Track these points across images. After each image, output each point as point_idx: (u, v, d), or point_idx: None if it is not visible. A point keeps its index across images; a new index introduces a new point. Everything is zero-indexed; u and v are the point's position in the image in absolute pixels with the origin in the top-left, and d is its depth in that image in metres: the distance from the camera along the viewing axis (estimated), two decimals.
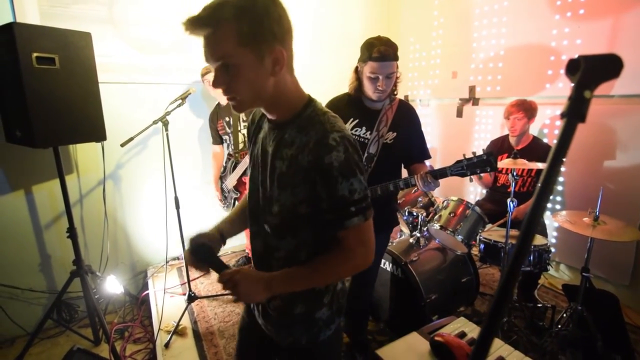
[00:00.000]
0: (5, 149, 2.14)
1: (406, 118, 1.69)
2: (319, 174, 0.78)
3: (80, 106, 1.96)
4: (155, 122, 2.21)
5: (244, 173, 2.62)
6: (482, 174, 2.53)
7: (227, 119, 2.60)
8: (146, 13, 2.58)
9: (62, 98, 1.88)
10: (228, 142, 2.66)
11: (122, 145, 2.22)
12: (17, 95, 1.77)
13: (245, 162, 2.55)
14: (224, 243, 1.03)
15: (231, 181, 2.66)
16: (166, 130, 2.17)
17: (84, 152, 2.46)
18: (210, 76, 2.48)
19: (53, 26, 1.88)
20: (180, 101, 2.25)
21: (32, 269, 2.37)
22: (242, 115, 2.57)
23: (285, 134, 0.85)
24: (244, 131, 2.64)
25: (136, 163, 2.71)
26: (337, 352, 1.00)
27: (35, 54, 1.76)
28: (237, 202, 2.74)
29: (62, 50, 1.86)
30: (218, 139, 2.71)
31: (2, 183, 2.20)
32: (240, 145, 2.63)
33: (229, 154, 2.69)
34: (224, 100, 2.60)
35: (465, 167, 1.51)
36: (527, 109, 2.32)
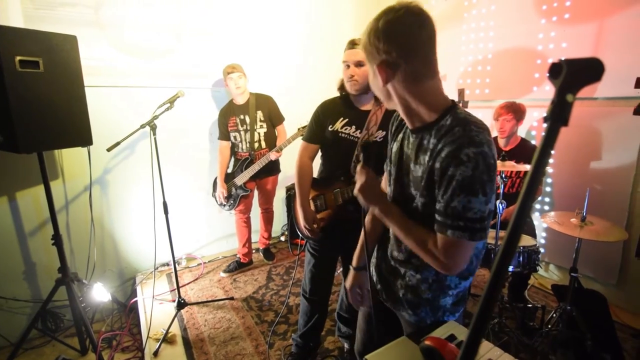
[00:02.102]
0: None
1: (389, 122, 1.74)
2: (440, 179, 0.82)
3: (65, 110, 1.92)
4: (142, 126, 2.18)
5: (257, 175, 2.71)
6: None
7: (241, 117, 2.66)
8: (133, 16, 2.55)
9: (46, 102, 1.84)
10: (237, 140, 2.72)
11: (109, 149, 2.19)
12: (0, 99, 1.73)
13: (260, 164, 2.64)
14: (365, 268, 1.15)
15: (242, 178, 2.71)
16: (154, 134, 2.14)
17: (69, 157, 2.41)
18: (235, 75, 2.54)
19: (37, 29, 1.85)
20: (168, 105, 2.22)
21: (16, 277, 2.31)
22: (260, 115, 2.67)
23: (424, 139, 0.89)
24: (260, 130, 2.70)
25: (124, 168, 2.67)
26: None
27: (18, 58, 1.72)
28: (242, 200, 2.80)
29: (46, 53, 1.82)
30: (226, 135, 2.73)
31: None
32: (256, 145, 2.70)
33: (241, 153, 2.75)
34: (240, 100, 2.66)
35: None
36: (515, 111, 2.36)
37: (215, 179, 2.86)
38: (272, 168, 2.79)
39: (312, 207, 1.75)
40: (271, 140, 2.76)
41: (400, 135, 1.00)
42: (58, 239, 2.08)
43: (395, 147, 1.01)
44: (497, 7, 2.86)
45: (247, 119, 2.66)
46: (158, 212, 2.31)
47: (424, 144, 0.88)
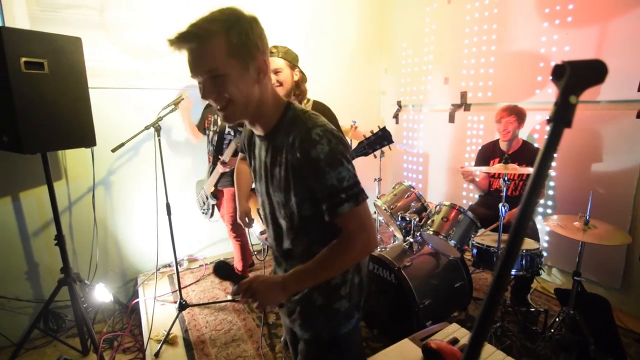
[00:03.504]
0: None
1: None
2: (308, 169, 0.84)
3: (69, 111, 1.94)
4: (147, 128, 2.19)
5: (220, 182, 2.50)
6: (476, 179, 2.55)
7: (215, 116, 2.51)
8: (138, 18, 2.57)
9: (51, 103, 1.86)
10: (208, 139, 2.55)
11: (113, 150, 2.19)
12: (5, 100, 1.75)
13: (218, 171, 2.42)
14: None
15: (208, 187, 2.55)
16: (158, 135, 2.15)
17: (73, 158, 2.42)
18: None
19: (43, 31, 1.87)
20: (172, 106, 2.23)
21: (19, 277, 2.32)
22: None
23: (276, 141, 0.90)
24: (231, 137, 2.48)
25: (127, 169, 2.68)
26: (358, 345, 1.05)
27: (23, 59, 1.74)
28: (215, 209, 2.64)
29: (51, 55, 1.84)
30: (203, 129, 2.61)
31: None
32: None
33: (209, 155, 2.57)
34: None
35: (367, 146, 1.64)
36: (518, 113, 2.36)
37: (198, 182, 2.74)
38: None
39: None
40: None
41: (256, 150, 1.00)
42: (61, 240, 2.09)
43: (256, 163, 1.00)
44: (500, 10, 2.86)
45: (219, 121, 2.49)
46: (161, 213, 2.31)
47: (277, 145, 0.90)
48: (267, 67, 0.85)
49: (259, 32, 0.84)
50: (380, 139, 1.64)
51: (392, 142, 1.65)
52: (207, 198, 2.61)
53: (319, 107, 1.93)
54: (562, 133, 0.41)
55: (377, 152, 1.76)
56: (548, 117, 0.41)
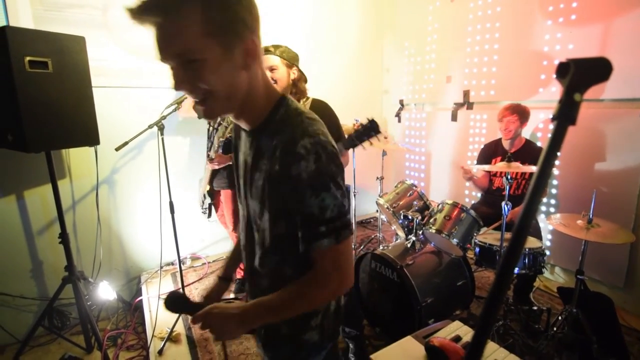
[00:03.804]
0: None
1: (320, 114, 1.85)
2: (286, 186, 0.70)
3: (73, 110, 1.95)
4: (150, 127, 2.19)
5: (216, 182, 2.43)
6: (475, 177, 2.54)
7: None
8: None
9: (55, 102, 1.87)
10: (209, 133, 2.47)
11: (117, 149, 2.20)
12: (9, 99, 1.76)
13: (207, 168, 2.38)
14: (231, 279, 1.05)
15: (203, 186, 2.51)
16: (162, 134, 2.15)
17: (77, 157, 2.44)
18: None
19: (47, 30, 1.88)
20: (176, 105, 2.24)
21: (24, 275, 2.34)
22: (228, 119, 2.36)
23: (260, 141, 0.76)
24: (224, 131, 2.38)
25: (131, 168, 2.69)
26: None
27: (28, 58, 1.75)
28: (212, 208, 2.59)
29: (55, 54, 1.85)
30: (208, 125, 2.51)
31: None
32: (220, 150, 2.40)
33: (208, 152, 2.46)
34: None
35: (355, 138, 1.65)
36: (520, 112, 2.35)
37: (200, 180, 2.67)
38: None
39: None
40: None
41: (241, 143, 0.84)
42: (65, 238, 2.10)
43: (240, 158, 0.85)
44: (503, 9, 2.85)
45: (219, 119, 2.39)
46: (164, 211, 2.32)
47: (261, 147, 0.76)
48: (257, 49, 0.69)
49: (248, 5, 0.66)
50: (367, 130, 1.65)
51: (379, 132, 1.65)
52: (204, 197, 2.57)
53: (318, 104, 1.93)
54: (566, 131, 0.41)
55: (381, 152, 1.76)
56: (552, 115, 0.41)
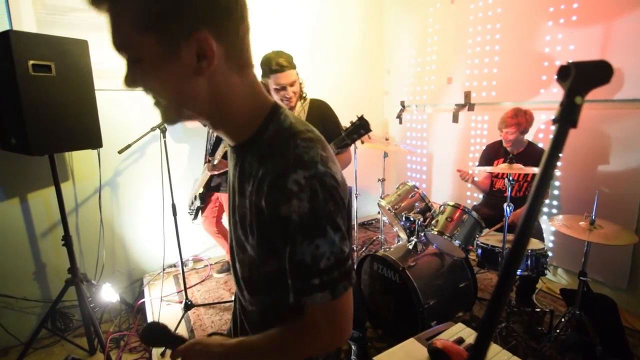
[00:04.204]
0: (0, 157, 2.13)
1: (319, 113, 1.88)
2: (275, 226, 0.59)
3: (76, 113, 1.96)
4: (153, 129, 2.21)
5: (211, 186, 2.46)
6: (477, 177, 2.54)
7: None
8: None
9: (58, 105, 1.88)
10: (208, 136, 2.49)
11: (120, 152, 2.22)
12: (13, 102, 1.77)
13: (206, 172, 2.37)
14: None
15: (197, 187, 2.49)
16: (164, 137, 2.17)
17: (80, 160, 2.45)
18: None
19: (50, 34, 1.89)
20: None
21: (27, 277, 2.35)
22: None
23: (245, 162, 0.64)
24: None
25: (133, 170, 2.70)
26: None
27: (31, 62, 1.76)
28: (200, 213, 2.58)
29: (58, 57, 1.86)
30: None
31: None
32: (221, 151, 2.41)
33: (207, 157, 2.48)
34: None
35: (346, 137, 1.62)
36: (519, 124, 2.31)
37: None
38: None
39: None
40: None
41: (229, 156, 0.73)
42: (68, 240, 2.11)
43: (230, 172, 0.73)
44: (504, 10, 2.85)
45: None
46: (167, 214, 2.33)
47: (245, 168, 0.64)
48: (213, 48, 0.53)
49: None
50: (357, 128, 1.59)
51: (369, 130, 1.59)
52: (195, 198, 2.53)
53: (317, 104, 1.92)
54: (567, 133, 0.41)
55: (383, 153, 1.73)
56: (553, 118, 0.41)
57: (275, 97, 1.67)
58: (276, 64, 1.67)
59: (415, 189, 2.38)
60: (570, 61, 0.41)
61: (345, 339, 0.66)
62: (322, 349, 0.67)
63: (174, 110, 0.60)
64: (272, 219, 0.58)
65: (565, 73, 0.42)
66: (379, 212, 3.42)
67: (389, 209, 2.36)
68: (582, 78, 0.41)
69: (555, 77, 0.43)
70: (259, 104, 0.63)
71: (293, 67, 1.74)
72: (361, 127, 1.59)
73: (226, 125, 0.63)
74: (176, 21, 0.51)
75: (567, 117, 0.41)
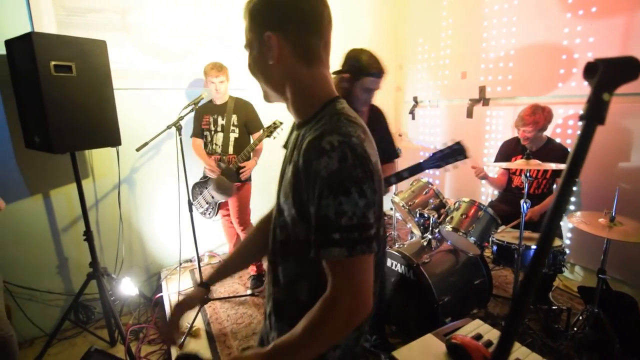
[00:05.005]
0: (24, 155, 2.20)
1: (378, 119, 1.91)
2: (306, 181, 0.65)
3: (96, 112, 2.01)
4: (169, 127, 2.25)
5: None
6: (489, 174, 2.50)
7: (215, 116, 2.54)
8: (159, 20, 2.63)
9: (78, 105, 1.93)
10: (208, 139, 2.59)
11: (138, 149, 2.26)
12: (36, 102, 1.83)
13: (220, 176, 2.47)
14: (209, 286, 1.04)
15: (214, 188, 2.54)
16: (180, 134, 2.20)
17: (99, 157, 2.51)
18: (217, 79, 2.44)
19: (69, 35, 1.94)
20: (193, 106, 2.28)
21: (50, 271, 2.43)
22: (234, 119, 2.54)
23: (299, 135, 0.76)
24: (231, 135, 2.55)
25: (150, 167, 2.76)
26: None
27: (53, 63, 1.81)
28: (222, 205, 2.66)
29: (78, 58, 1.91)
30: (200, 133, 2.61)
31: (21, 187, 2.27)
32: (230, 149, 2.56)
33: (209, 154, 2.60)
34: (219, 101, 2.55)
35: (440, 159, 1.60)
36: (537, 122, 2.25)
37: (194, 185, 2.70)
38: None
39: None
40: (241, 147, 2.54)
41: (291, 138, 0.84)
42: (89, 235, 2.18)
43: (287, 150, 0.84)
44: (520, 2, 2.79)
45: (220, 120, 2.54)
46: (183, 209, 2.38)
47: (298, 141, 0.75)
48: (276, 46, 0.70)
49: (279, 3, 0.70)
50: (454, 153, 1.58)
51: (466, 157, 1.58)
52: (212, 197, 2.60)
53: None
54: (595, 130, 0.41)
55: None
56: (580, 115, 0.41)
57: (360, 97, 1.68)
58: (377, 68, 1.68)
59: (429, 186, 2.36)
60: (596, 58, 0.41)
61: (368, 308, 0.66)
62: (347, 315, 0.65)
63: (264, 91, 0.79)
64: (305, 174, 0.65)
65: (593, 70, 0.41)
66: (391, 209, 3.41)
67: (402, 206, 2.35)
68: (610, 74, 0.41)
69: (582, 74, 0.43)
70: (323, 92, 0.76)
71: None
72: (458, 153, 1.58)
73: (296, 106, 0.77)
74: (258, 24, 0.72)
75: (594, 114, 0.41)
